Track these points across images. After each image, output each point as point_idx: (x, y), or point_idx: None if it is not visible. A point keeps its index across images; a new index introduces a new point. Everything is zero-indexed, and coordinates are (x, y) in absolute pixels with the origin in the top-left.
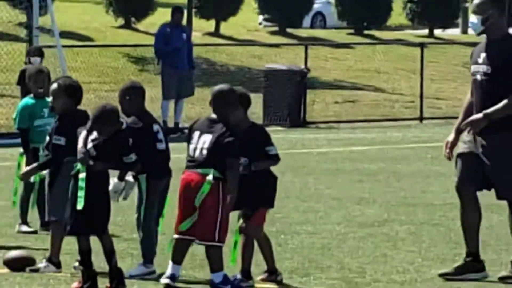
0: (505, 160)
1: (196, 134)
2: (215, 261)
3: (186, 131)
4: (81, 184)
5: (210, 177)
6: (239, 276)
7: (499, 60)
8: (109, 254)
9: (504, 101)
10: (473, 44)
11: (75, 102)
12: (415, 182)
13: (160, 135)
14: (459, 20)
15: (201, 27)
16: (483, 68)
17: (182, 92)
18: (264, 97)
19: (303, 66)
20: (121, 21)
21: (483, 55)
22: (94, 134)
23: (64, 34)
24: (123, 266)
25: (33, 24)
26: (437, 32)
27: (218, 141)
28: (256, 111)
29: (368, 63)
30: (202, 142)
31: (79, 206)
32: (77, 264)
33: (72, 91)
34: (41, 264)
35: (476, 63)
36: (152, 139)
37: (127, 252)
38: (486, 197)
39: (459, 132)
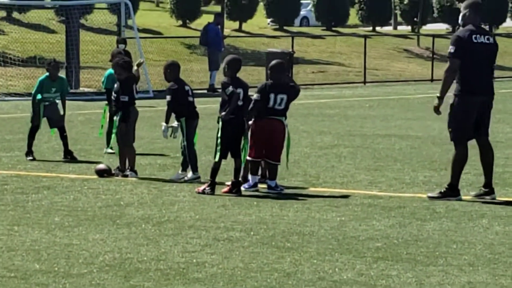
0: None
1: (273, 94)
2: (275, 172)
3: (219, 90)
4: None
5: (286, 123)
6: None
7: None
8: (237, 170)
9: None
10: (400, 36)
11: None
12: (356, 121)
13: (190, 92)
14: (392, 21)
15: (230, 26)
16: None
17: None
18: (266, 69)
19: (291, 50)
20: (180, 22)
21: None
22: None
23: (144, 30)
24: (169, 174)
25: (121, 23)
26: (378, 28)
27: (290, 99)
28: (262, 79)
29: (334, 48)
30: (280, 99)
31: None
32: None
33: (126, 65)
34: (128, 172)
35: None
36: (185, 95)
37: (172, 166)
38: None
39: None
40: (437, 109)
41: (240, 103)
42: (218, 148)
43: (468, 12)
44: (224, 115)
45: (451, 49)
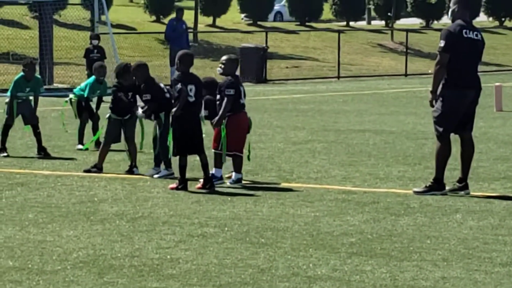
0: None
1: (241, 87)
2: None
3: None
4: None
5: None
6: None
7: None
8: (205, 166)
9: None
10: (374, 31)
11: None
12: (330, 116)
13: (165, 89)
14: (365, 16)
15: (204, 21)
16: None
17: None
18: (240, 64)
19: (264, 45)
20: (153, 17)
21: None
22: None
23: (118, 26)
24: (143, 170)
25: (94, 19)
26: (351, 23)
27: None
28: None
29: (307, 43)
30: (243, 91)
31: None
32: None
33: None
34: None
35: None
36: (162, 92)
37: (146, 162)
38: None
39: None
40: (431, 104)
41: (191, 99)
42: (172, 144)
43: (457, 8)
44: (174, 111)
45: (441, 43)
